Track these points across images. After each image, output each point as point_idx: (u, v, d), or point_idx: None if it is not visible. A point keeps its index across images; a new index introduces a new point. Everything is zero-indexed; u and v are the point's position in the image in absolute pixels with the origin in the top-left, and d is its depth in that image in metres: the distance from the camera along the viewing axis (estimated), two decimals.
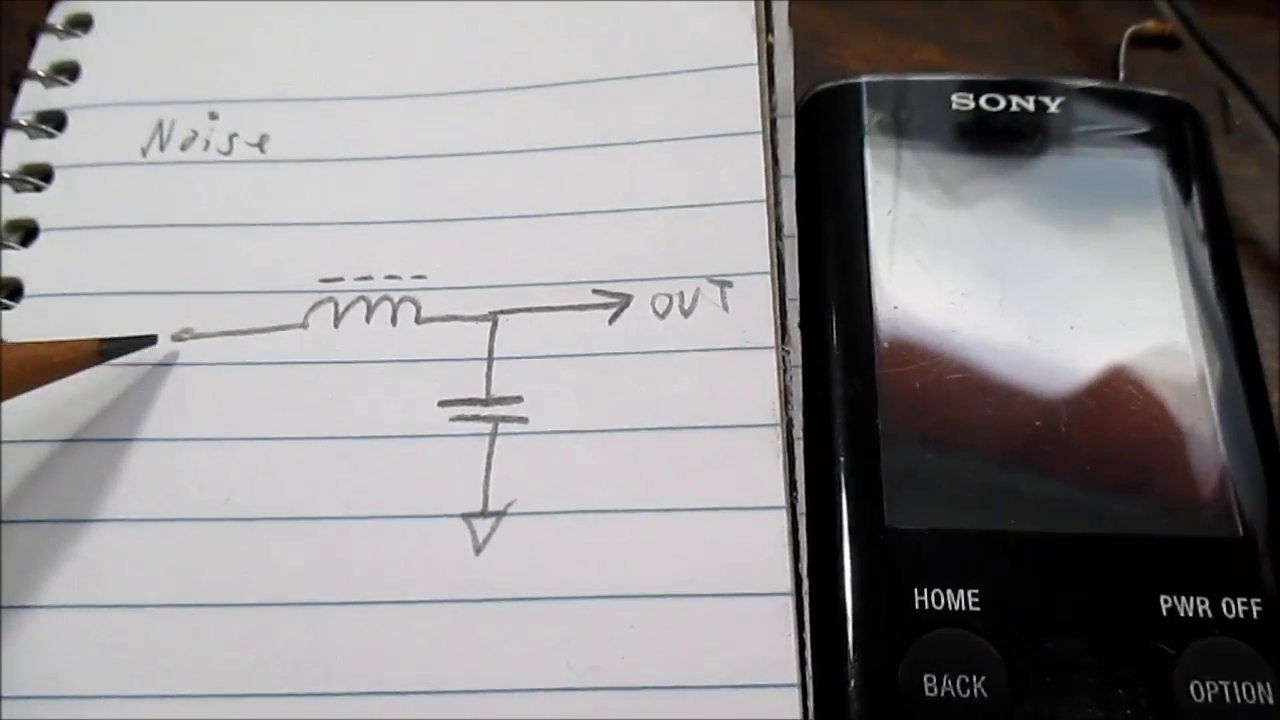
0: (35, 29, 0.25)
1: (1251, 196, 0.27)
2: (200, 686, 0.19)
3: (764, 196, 0.22)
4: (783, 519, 0.20)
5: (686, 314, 0.21)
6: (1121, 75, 0.28)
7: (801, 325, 0.22)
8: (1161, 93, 0.26)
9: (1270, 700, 0.19)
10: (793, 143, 0.24)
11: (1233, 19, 0.28)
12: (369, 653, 0.19)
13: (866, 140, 0.24)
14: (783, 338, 0.22)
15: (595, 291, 0.22)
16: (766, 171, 0.22)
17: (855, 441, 0.22)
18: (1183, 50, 0.27)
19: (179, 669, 0.19)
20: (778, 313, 0.22)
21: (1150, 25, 0.28)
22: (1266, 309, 0.26)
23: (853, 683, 0.20)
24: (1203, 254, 0.24)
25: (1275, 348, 0.25)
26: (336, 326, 0.22)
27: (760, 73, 0.23)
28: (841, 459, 0.21)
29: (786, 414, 0.21)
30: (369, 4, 0.25)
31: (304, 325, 0.22)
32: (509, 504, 0.20)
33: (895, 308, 0.23)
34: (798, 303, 0.23)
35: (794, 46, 0.25)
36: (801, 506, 0.21)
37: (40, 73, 0.25)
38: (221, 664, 0.19)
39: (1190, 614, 0.20)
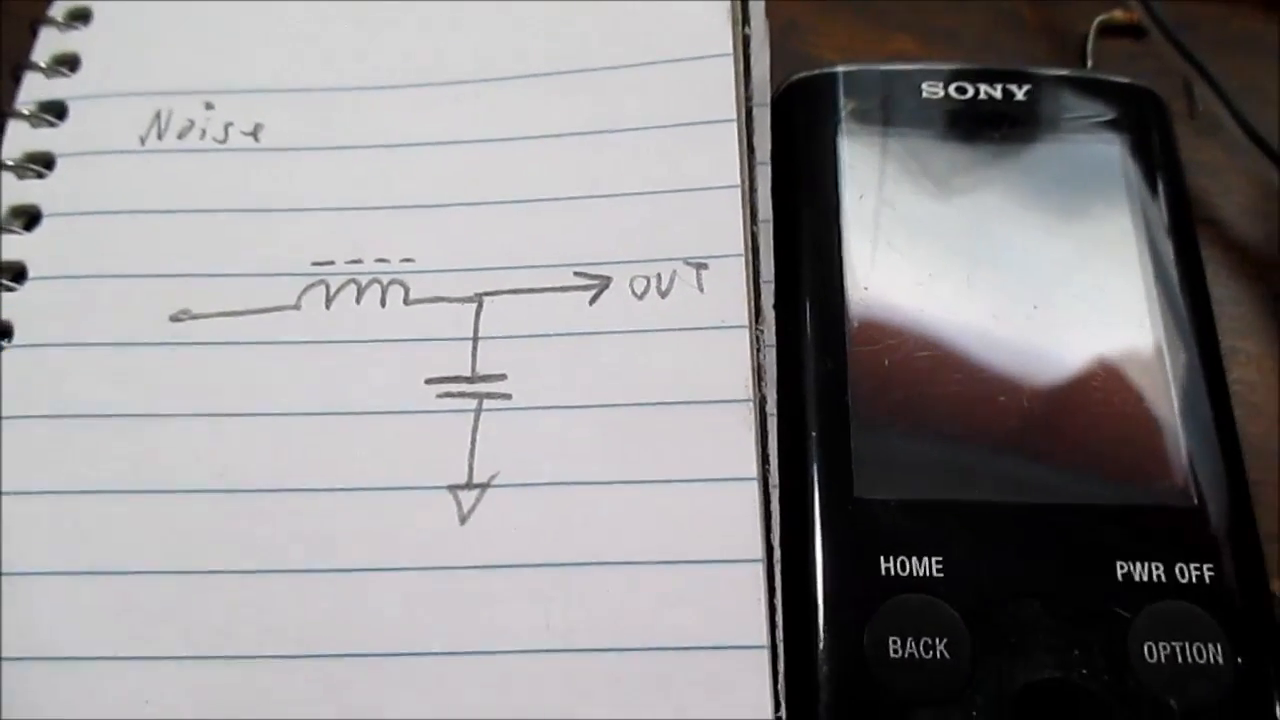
0: (36, 22, 0.26)
1: (1215, 180, 0.28)
2: (194, 649, 0.20)
3: (738, 182, 0.23)
4: (754, 490, 0.21)
5: (664, 295, 0.22)
6: (1090, 63, 0.29)
7: (776, 306, 0.23)
8: (1125, 80, 0.26)
9: (1220, 660, 0.20)
10: (768, 131, 0.25)
11: (1199, 8, 0.29)
12: (357, 617, 0.20)
13: (839, 128, 0.25)
14: (757, 318, 0.23)
15: (576, 274, 0.23)
16: (741, 159, 0.23)
17: (826, 416, 0.22)
18: (1149, 39, 0.28)
19: (173, 632, 0.20)
20: (752, 294, 0.22)
21: (1118, 15, 0.29)
22: (1229, 288, 0.27)
23: (821, 645, 0.20)
24: (1164, 235, 0.25)
25: (1237, 326, 0.26)
26: (328, 308, 0.22)
27: (736, 63, 0.24)
28: (813, 433, 0.22)
29: (760, 391, 0.22)
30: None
31: (297, 306, 0.22)
32: (493, 476, 0.21)
33: (865, 289, 0.24)
34: (772, 285, 0.23)
35: (770, 37, 0.26)
36: (774, 479, 0.22)
37: (41, 64, 0.25)
38: (215, 627, 0.20)
39: (1145, 579, 0.21)
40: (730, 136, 0.23)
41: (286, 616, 0.20)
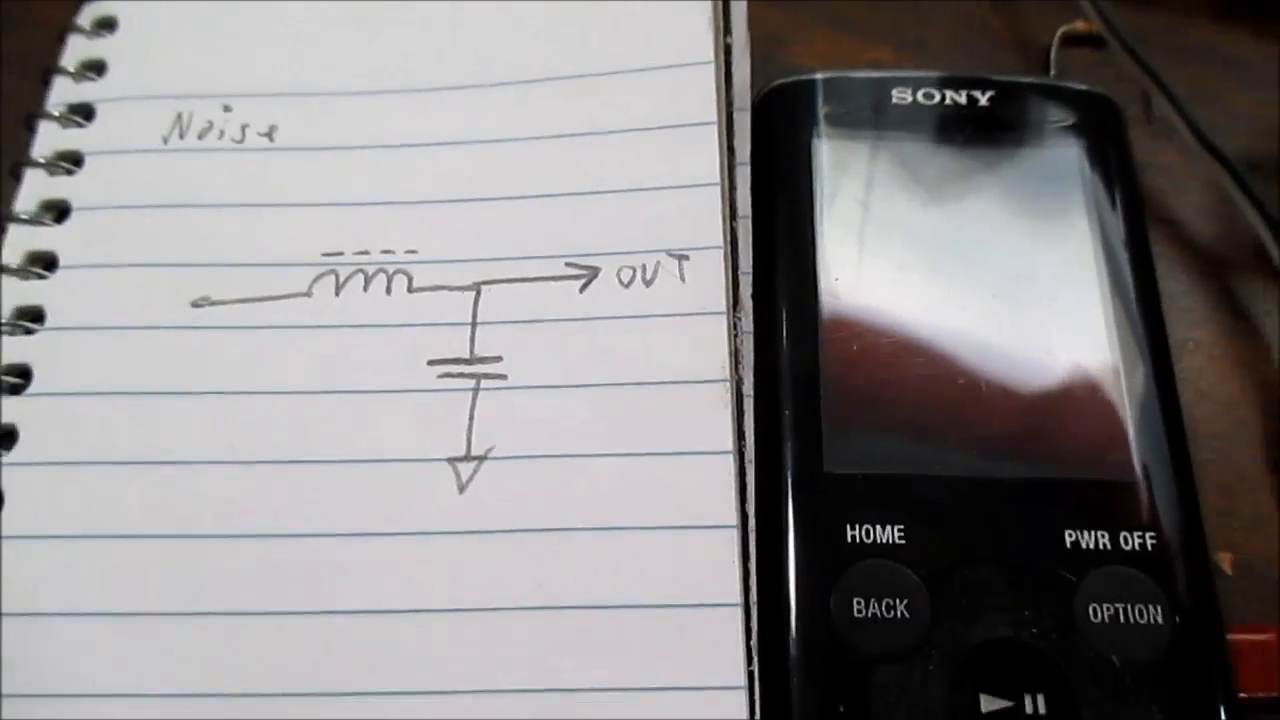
0: (65, 29, 0.28)
1: (1170, 181, 0.29)
2: (203, 606, 0.21)
3: (718, 180, 0.25)
4: (730, 463, 0.22)
5: (648, 284, 0.24)
6: (1053, 71, 0.30)
7: (753, 296, 0.25)
8: (1083, 87, 0.28)
9: (1160, 620, 0.22)
10: (749, 133, 0.27)
11: (1156, 18, 0.31)
12: (361, 579, 0.22)
13: (814, 131, 0.27)
14: (736, 306, 0.24)
15: (567, 264, 0.24)
16: (721, 158, 0.25)
17: (799, 396, 0.24)
18: (1110, 49, 0.30)
19: (184, 592, 0.21)
20: (730, 283, 0.24)
21: (1080, 26, 0.30)
22: (1181, 282, 0.28)
23: (790, 605, 0.22)
24: (1117, 233, 0.26)
25: (1189, 317, 0.28)
26: (337, 295, 0.24)
27: (717, 70, 0.26)
28: (787, 412, 0.24)
29: (737, 372, 0.24)
30: (367, 7, 0.27)
31: (308, 294, 0.24)
32: (489, 449, 0.23)
33: (837, 279, 0.25)
34: (750, 275, 0.25)
35: (752, 47, 0.28)
36: (750, 454, 0.23)
37: (70, 69, 0.27)
38: (225, 588, 0.21)
39: (1091, 546, 0.23)
40: (711, 138, 0.25)
41: (291, 577, 0.22)
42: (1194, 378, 0.27)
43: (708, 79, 0.25)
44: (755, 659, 0.22)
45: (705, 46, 0.25)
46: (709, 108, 0.25)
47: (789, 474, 0.23)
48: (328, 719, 0.21)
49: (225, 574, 0.22)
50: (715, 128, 0.25)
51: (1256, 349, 0.27)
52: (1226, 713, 0.22)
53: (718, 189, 0.24)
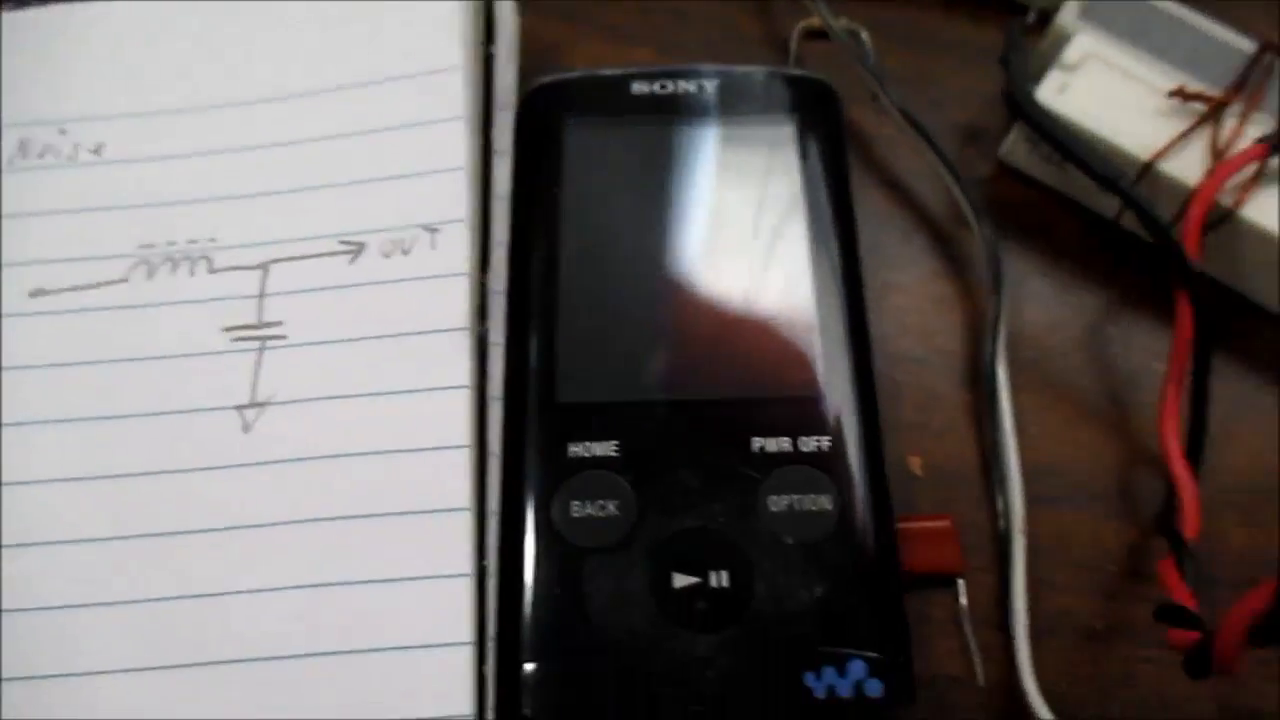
0: None
1: (890, 151, 0.34)
2: (29, 538, 0.26)
3: (464, 166, 0.29)
4: (467, 396, 0.27)
5: (406, 254, 0.29)
6: (791, 63, 0.35)
7: (508, 262, 0.30)
8: (800, 73, 0.33)
9: (830, 508, 0.26)
10: (509, 127, 0.31)
11: (893, 11, 0.36)
12: (164, 506, 0.26)
13: (565, 121, 0.32)
14: (486, 269, 0.29)
15: (340, 242, 0.29)
16: (473, 149, 0.30)
17: (538, 342, 0.29)
18: (850, 40, 0.34)
19: (12, 530, 0.26)
20: (479, 250, 0.29)
21: (816, 21, 0.35)
22: (895, 234, 0.33)
23: (521, 510, 0.27)
24: (823, 193, 0.31)
25: (896, 262, 0.32)
26: (150, 279, 0.29)
27: (477, 75, 0.31)
28: (528, 354, 0.29)
29: (484, 325, 0.28)
30: (179, 44, 0.32)
31: (126, 280, 0.29)
32: (270, 396, 0.27)
33: (575, 244, 0.30)
34: (505, 246, 0.30)
35: (533, 55, 0.33)
36: (495, 390, 0.28)
37: None
38: (52, 522, 0.26)
39: (775, 450, 0.27)
40: (458, 132, 0.30)
41: (108, 509, 0.26)
42: (899, 314, 0.31)
43: (456, 84, 0.30)
44: (489, 555, 0.26)
45: (455, 57, 0.30)
46: (457, 106, 0.30)
47: (527, 405, 0.28)
48: (137, 620, 0.25)
49: (54, 509, 0.26)
50: (463, 123, 0.30)
51: (954, 289, 0.32)
52: (884, 581, 0.26)
53: (463, 173, 0.29)
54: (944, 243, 0.32)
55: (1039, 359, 0.31)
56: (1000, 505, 0.29)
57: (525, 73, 0.33)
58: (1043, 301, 0.32)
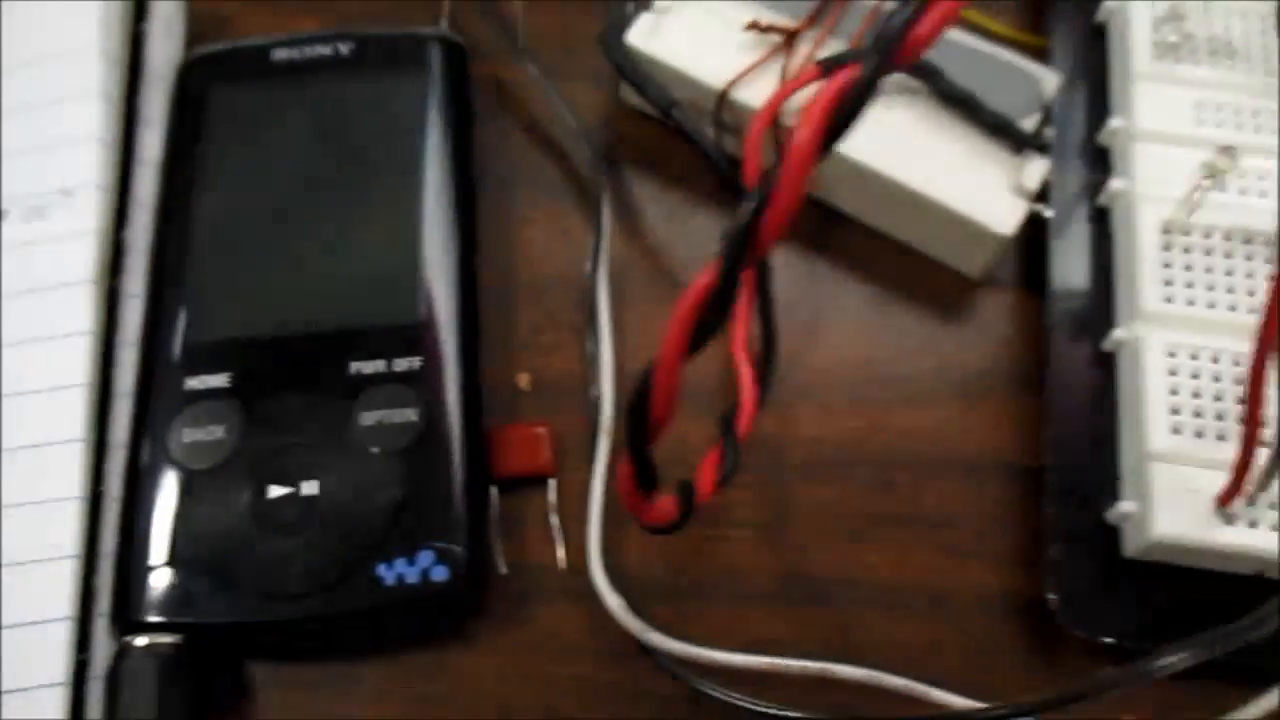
0: None
1: (531, 98, 0.37)
2: None
3: (98, 135, 0.32)
4: (89, 340, 0.30)
5: (43, 217, 0.32)
6: (444, 24, 0.38)
7: (155, 218, 0.33)
8: (431, 31, 0.36)
9: (415, 419, 0.30)
10: (161, 100, 0.34)
11: None
12: None
13: (208, 86, 0.35)
14: (125, 225, 0.32)
15: None
16: (108, 119, 0.33)
17: (170, 291, 0.32)
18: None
19: None
20: (113, 211, 0.32)
21: None
22: (525, 173, 0.36)
23: (141, 439, 0.30)
24: (445, 140, 0.34)
25: (529, 199, 0.35)
26: None
27: (109, 52, 0.34)
28: (162, 300, 0.32)
29: (117, 279, 0.31)
30: None
31: None
32: None
33: (214, 202, 0.33)
34: (148, 206, 0.33)
35: (200, 29, 0.36)
36: (130, 337, 0.31)
37: None
38: None
39: (370, 372, 0.30)
40: (93, 105, 0.33)
41: None
42: (528, 246, 0.34)
43: (92, 62, 0.33)
44: (105, 479, 0.29)
45: (90, 39, 0.33)
46: (93, 82, 0.33)
47: (157, 346, 0.31)
48: None
49: None
50: (99, 98, 0.33)
51: (580, 221, 0.35)
52: (460, 481, 0.29)
53: (96, 143, 0.32)
54: (573, 180, 0.35)
55: (648, 280, 0.34)
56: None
57: (194, 46, 0.36)
58: (654, 226, 0.35)
